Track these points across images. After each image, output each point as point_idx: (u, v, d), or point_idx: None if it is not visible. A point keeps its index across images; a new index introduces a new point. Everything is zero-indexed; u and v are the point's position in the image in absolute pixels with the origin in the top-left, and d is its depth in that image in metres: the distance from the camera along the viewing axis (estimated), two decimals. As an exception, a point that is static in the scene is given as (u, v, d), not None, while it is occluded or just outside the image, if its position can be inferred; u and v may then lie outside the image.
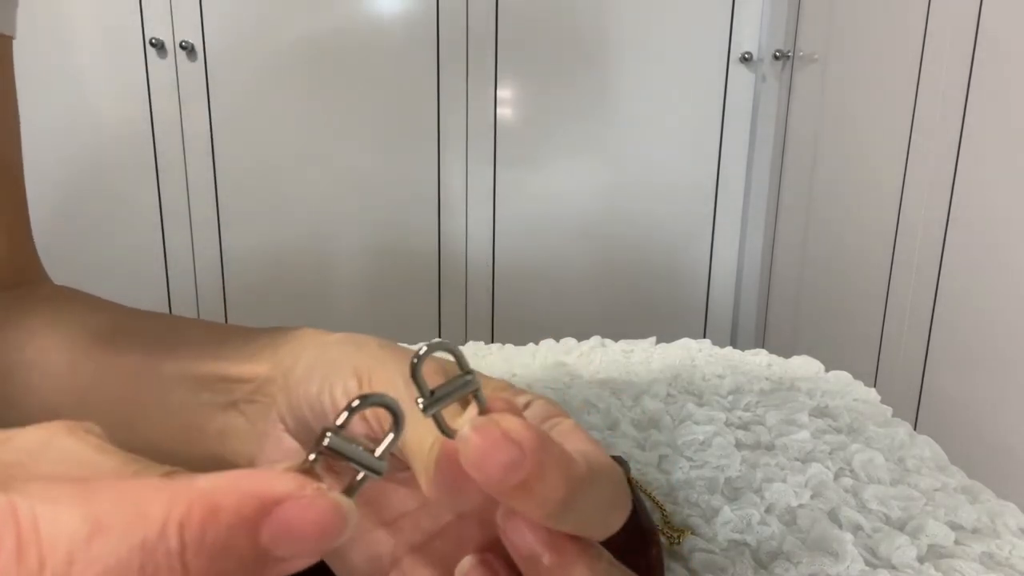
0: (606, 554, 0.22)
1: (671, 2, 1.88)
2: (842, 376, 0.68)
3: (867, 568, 0.40)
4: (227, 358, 0.31)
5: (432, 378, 0.20)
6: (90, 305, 0.39)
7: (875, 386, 0.65)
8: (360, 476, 0.18)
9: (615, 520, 0.22)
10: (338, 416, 0.18)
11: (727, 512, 0.44)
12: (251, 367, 0.30)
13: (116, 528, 0.14)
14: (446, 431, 0.20)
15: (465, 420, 0.19)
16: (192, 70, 1.81)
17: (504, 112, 1.91)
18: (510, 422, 0.18)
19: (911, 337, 1.37)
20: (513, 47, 1.87)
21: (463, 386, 0.20)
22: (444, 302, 2.02)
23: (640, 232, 2.02)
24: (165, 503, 0.14)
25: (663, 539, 0.42)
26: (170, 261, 1.93)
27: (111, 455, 0.17)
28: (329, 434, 0.17)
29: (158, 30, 1.77)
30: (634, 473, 0.49)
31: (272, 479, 0.15)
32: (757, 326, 2.08)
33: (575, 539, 0.21)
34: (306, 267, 1.96)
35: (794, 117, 1.85)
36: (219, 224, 1.92)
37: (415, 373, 0.19)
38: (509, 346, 0.74)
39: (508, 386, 0.26)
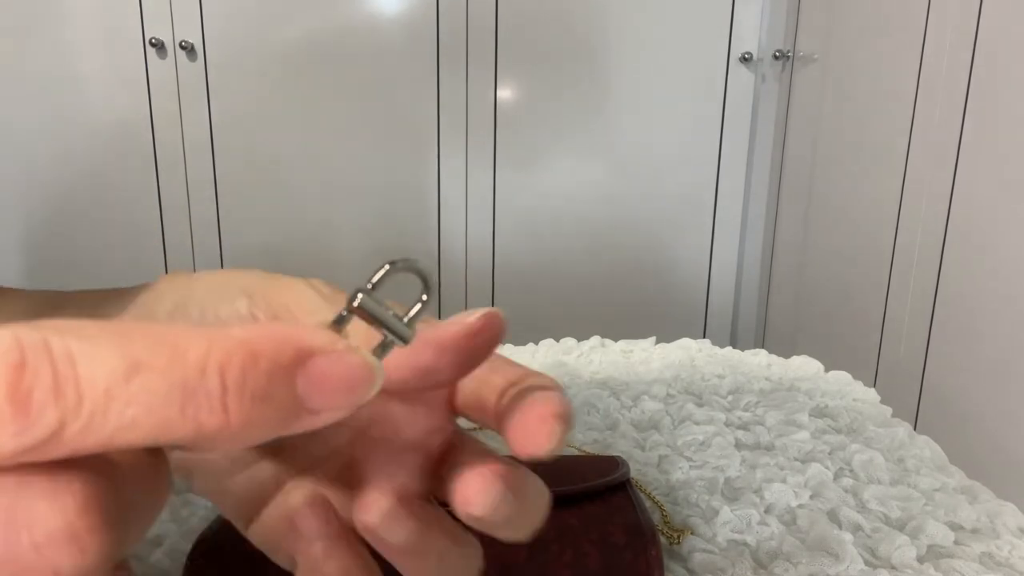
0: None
1: (671, 2, 1.88)
2: (842, 376, 0.68)
3: (867, 568, 0.40)
4: (104, 315, 0.31)
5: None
6: (10, 297, 0.39)
7: (875, 386, 0.65)
8: (387, 339, 0.17)
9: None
10: (371, 278, 0.17)
11: (727, 512, 0.44)
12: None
13: (156, 367, 0.14)
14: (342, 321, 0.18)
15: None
16: (192, 70, 1.81)
17: (504, 113, 1.91)
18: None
19: (911, 337, 1.37)
20: (513, 48, 1.87)
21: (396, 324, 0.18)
22: (444, 302, 2.02)
23: (640, 232, 2.02)
24: (204, 347, 0.14)
25: (663, 539, 0.42)
26: (170, 261, 1.93)
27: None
28: (360, 294, 0.17)
29: (158, 30, 1.77)
30: (634, 473, 0.49)
31: (305, 332, 0.15)
32: (757, 326, 2.08)
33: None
34: (306, 266, 1.96)
35: (794, 117, 1.85)
36: (219, 224, 1.92)
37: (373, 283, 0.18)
38: (509, 346, 0.74)
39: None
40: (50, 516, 0.13)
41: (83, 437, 0.13)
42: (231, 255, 1.94)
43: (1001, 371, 1.15)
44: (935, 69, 1.30)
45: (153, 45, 1.77)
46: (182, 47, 1.78)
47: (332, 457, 0.25)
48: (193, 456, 0.25)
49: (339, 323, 0.17)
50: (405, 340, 0.18)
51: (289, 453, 0.25)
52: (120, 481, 0.15)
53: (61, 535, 0.13)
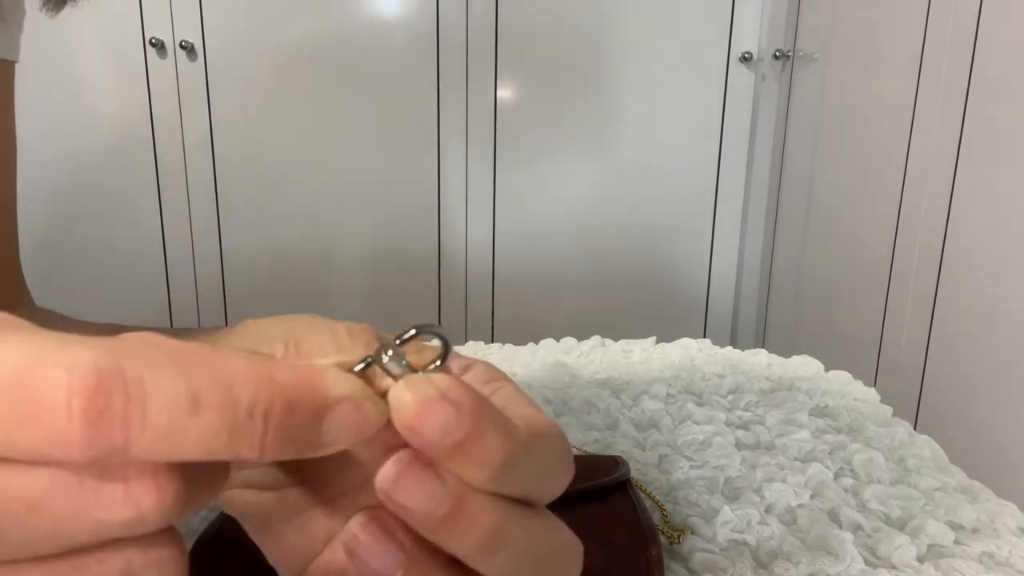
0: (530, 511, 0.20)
1: (671, 2, 1.88)
2: (842, 376, 0.68)
3: (867, 568, 0.40)
4: None
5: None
6: (59, 324, 0.39)
7: (875, 386, 0.65)
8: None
9: (560, 481, 0.22)
10: (398, 336, 0.19)
11: (727, 512, 0.44)
12: None
13: (212, 407, 0.16)
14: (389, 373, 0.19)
15: (399, 383, 0.18)
16: (192, 70, 1.81)
17: (504, 113, 1.91)
18: (445, 381, 0.18)
19: (911, 337, 1.37)
20: (513, 49, 1.87)
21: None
22: (444, 302, 2.02)
23: (640, 232, 2.02)
24: (253, 391, 0.16)
25: (663, 539, 0.42)
26: (170, 261, 1.93)
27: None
28: (382, 348, 0.19)
29: (158, 30, 1.77)
30: (634, 473, 0.49)
31: (335, 381, 0.18)
32: (757, 326, 2.08)
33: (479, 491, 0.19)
34: (306, 268, 1.96)
35: (794, 117, 1.85)
36: (219, 224, 1.92)
37: (394, 342, 0.19)
38: (509, 346, 0.74)
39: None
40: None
41: (141, 456, 0.15)
42: (231, 255, 1.94)
43: (1001, 371, 1.15)
44: (935, 69, 1.30)
45: (153, 45, 1.77)
46: (182, 47, 1.78)
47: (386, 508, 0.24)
48: (247, 502, 0.25)
49: (364, 368, 0.19)
50: None
51: (342, 504, 0.24)
52: None
53: (148, 475, 0.16)
